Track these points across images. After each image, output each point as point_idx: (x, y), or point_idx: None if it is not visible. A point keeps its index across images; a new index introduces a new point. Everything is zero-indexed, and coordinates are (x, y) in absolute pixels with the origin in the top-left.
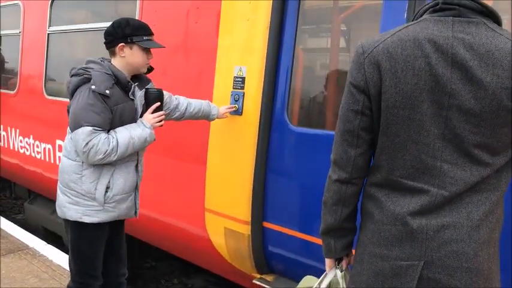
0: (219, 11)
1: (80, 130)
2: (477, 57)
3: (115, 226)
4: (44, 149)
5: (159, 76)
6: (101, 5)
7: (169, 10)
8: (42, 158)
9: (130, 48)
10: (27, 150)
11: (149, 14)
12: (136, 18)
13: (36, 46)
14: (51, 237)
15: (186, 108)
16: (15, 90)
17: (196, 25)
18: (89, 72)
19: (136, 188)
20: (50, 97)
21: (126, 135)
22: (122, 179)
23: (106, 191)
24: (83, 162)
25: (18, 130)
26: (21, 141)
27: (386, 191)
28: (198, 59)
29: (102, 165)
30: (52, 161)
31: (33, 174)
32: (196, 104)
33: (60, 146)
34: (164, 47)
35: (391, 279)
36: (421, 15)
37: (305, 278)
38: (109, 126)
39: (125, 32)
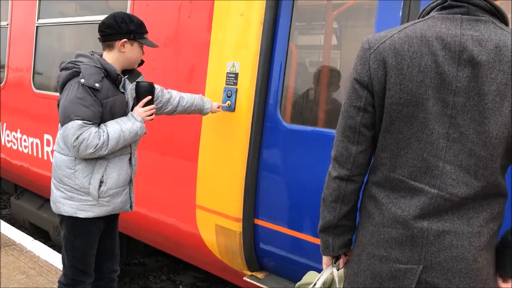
0: (212, 5)
1: (70, 124)
2: (485, 52)
3: (109, 222)
4: (32, 143)
5: (151, 71)
6: None
7: (162, 3)
8: (30, 153)
9: (131, 45)
10: (14, 144)
11: (141, 7)
12: (128, 10)
13: (24, 39)
14: (38, 233)
15: (179, 102)
16: (3, 83)
17: (189, 20)
18: (78, 65)
19: (130, 181)
20: (38, 91)
21: (117, 128)
22: (115, 173)
23: (100, 186)
24: (75, 157)
25: (5, 124)
26: (8, 135)
27: (387, 192)
28: (190, 54)
29: (96, 160)
30: (40, 156)
31: (20, 168)
32: (188, 98)
33: (48, 141)
34: (158, 46)
35: (388, 282)
36: (428, 13)
37: (308, 273)
38: (99, 120)
39: (129, 28)
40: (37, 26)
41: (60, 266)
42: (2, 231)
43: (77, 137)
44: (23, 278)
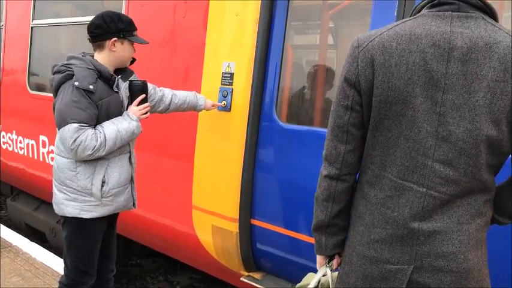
0: (207, 5)
1: (67, 127)
2: (475, 50)
3: (109, 222)
4: (27, 144)
5: (146, 72)
6: None
7: (156, 4)
8: (25, 154)
9: (122, 43)
10: (9, 146)
11: (135, 8)
12: (123, 11)
13: (19, 40)
14: (34, 234)
15: (171, 100)
16: None
17: (184, 20)
18: (71, 68)
19: (131, 179)
20: (33, 92)
21: (113, 129)
22: (116, 173)
23: (102, 186)
24: (76, 159)
25: (0, 125)
26: (3, 137)
27: (376, 191)
28: (185, 54)
29: (96, 161)
30: (35, 157)
31: (16, 170)
32: (181, 96)
33: (43, 142)
34: (148, 43)
35: (379, 282)
36: (419, 11)
37: (308, 274)
38: (95, 122)
39: (118, 27)
40: (32, 27)
41: (57, 268)
42: None
43: (74, 140)
44: (19, 280)
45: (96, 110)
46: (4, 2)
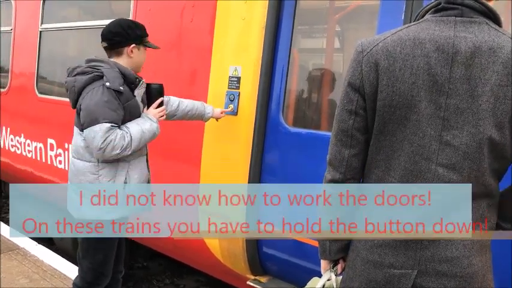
0: (214, 9)
1: (98, 127)
2: (478, 54)
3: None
4: (35, 147)
5: (153, 75)
6: (94, 2)
7: (164, 8)
8: (33, 157)
9: (138, 49)
10: (18, 149)
11: (143, 12)
12: (131, 16)
13: (28, 44)
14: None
15: (178, 106)
16: (7, 88)
17: (191, 24)
18: (99, 69)
19: (148, 181)
20: (42, 95)
21: (138, 129)
22: (137, 175)
23: (124, 188)
24: (98, 163)
25: (9, 128)
26: (12, 140)
27: None
28: (192, 58)
29: (117, 163)
30: (43, 160)
31: (24, 173)
32: (188, 102)
33: (51, 145)
34: (160, 48)
35: (383, 287)
36: (423, 16)
37: (312, 279)
38: (121, 123)
39: (136, 34)
40: (40, 31)
41: (64, 271)
42: (5, 236)
43: (104, 140)
44: (27, 282)
45: (123, 111)
46: (13, 6)
